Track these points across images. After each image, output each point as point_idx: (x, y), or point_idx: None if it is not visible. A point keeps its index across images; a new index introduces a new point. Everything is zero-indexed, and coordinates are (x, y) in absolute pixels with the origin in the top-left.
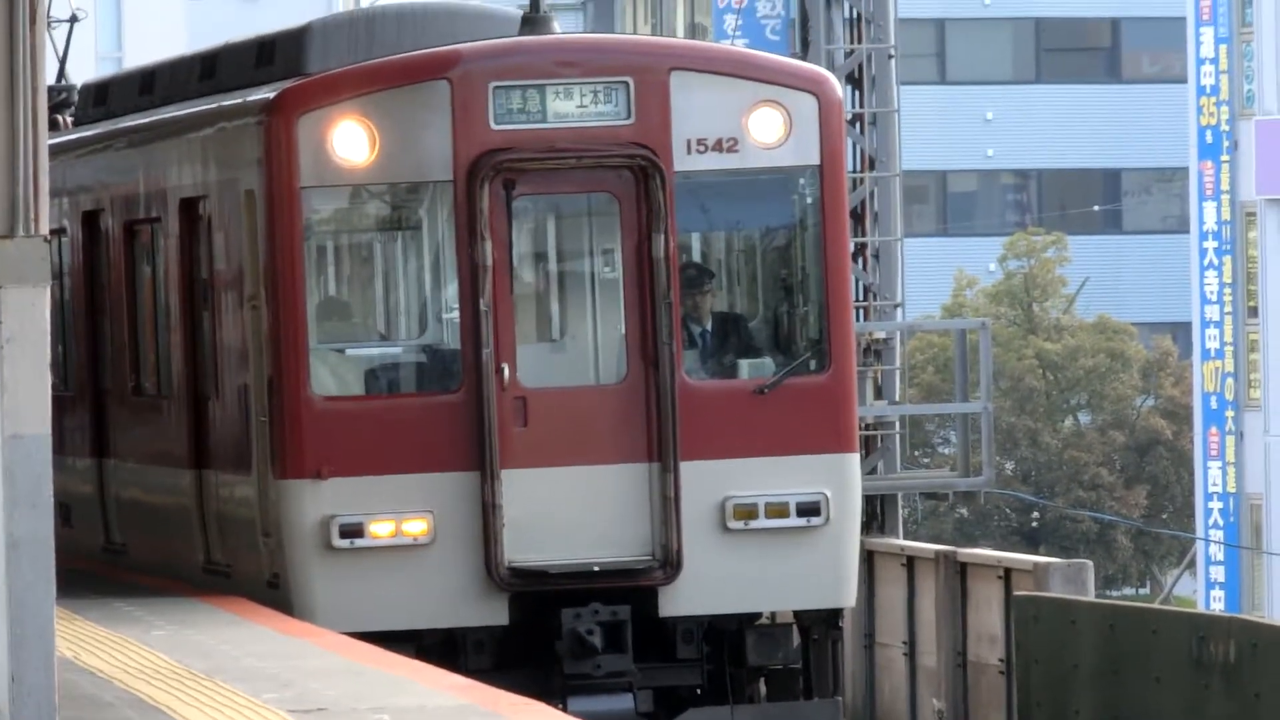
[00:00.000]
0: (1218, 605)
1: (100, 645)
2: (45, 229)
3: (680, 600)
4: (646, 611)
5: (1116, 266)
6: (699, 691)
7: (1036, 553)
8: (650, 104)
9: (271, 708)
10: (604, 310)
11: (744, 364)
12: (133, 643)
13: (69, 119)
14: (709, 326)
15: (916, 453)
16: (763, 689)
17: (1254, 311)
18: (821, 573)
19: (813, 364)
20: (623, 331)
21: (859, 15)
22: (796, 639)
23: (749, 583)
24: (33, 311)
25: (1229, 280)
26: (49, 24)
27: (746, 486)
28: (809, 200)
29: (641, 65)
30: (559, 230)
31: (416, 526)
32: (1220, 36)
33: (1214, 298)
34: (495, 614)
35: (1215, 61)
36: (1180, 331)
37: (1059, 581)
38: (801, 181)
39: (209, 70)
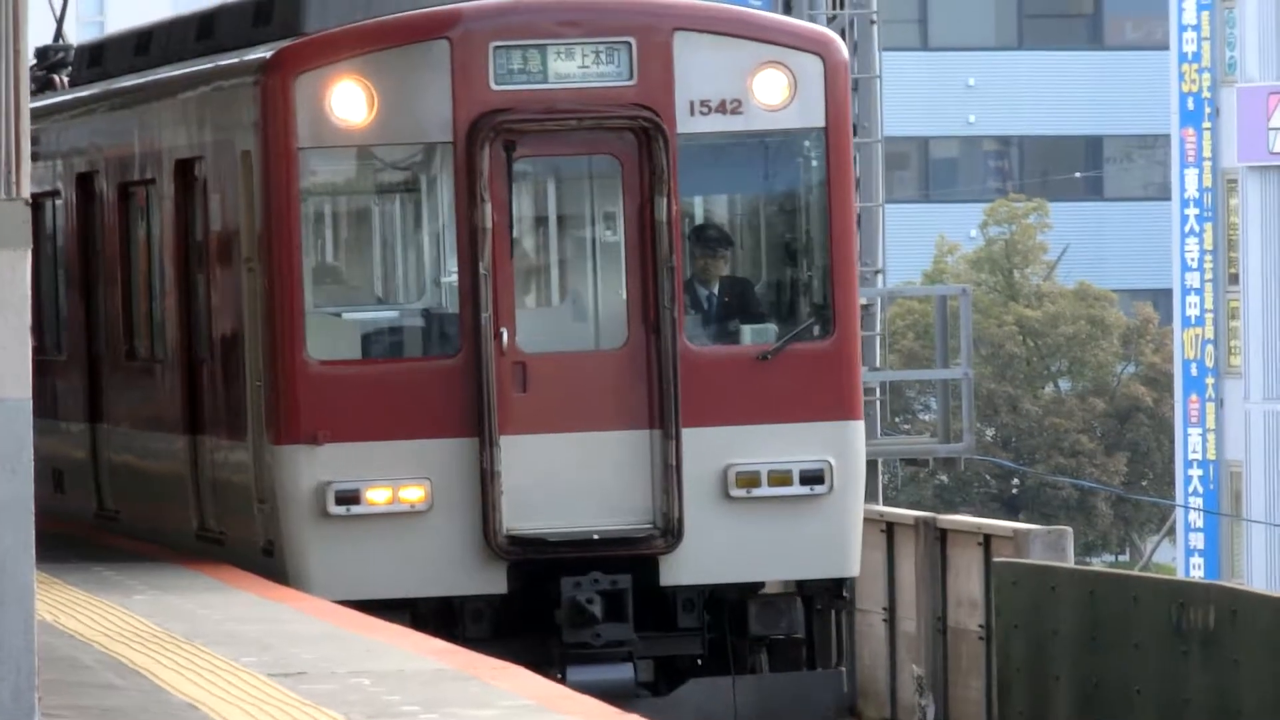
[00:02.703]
0: (1197, 572)
1: (81, 609)
2: (27, 192)
3: (681, 569)
4: (647, 580)
5: (1098, 233)
6: (700, 662)
7: (1016, 519)
8: (653, 65)
9: (251, 670)
10: (605, 274)
11: (747, 329)
12: (114, 607)
13: (65, 79)
14: (715, 291)
15: (897, 419)
16: (765, 659)
17: (1234, 279)
18: (825, 542)
19: (816, 330)
20: (624, 296)
21: None
22: (800, 609)
23: (751, 552)
24: (14, 275)
25: (1210, 247)
26: None
27: (749, 454)
28: (814, 163)
29: (644, 25)
30: (560, 193)
31: (414, 493)
32: (1202, 3)
33: (1195, 265)
34: (493, 582)
35: (1197, 28)
36: (1161, 298)
37: (1039, 548)
38: (806, 144)
39: (206, 30)
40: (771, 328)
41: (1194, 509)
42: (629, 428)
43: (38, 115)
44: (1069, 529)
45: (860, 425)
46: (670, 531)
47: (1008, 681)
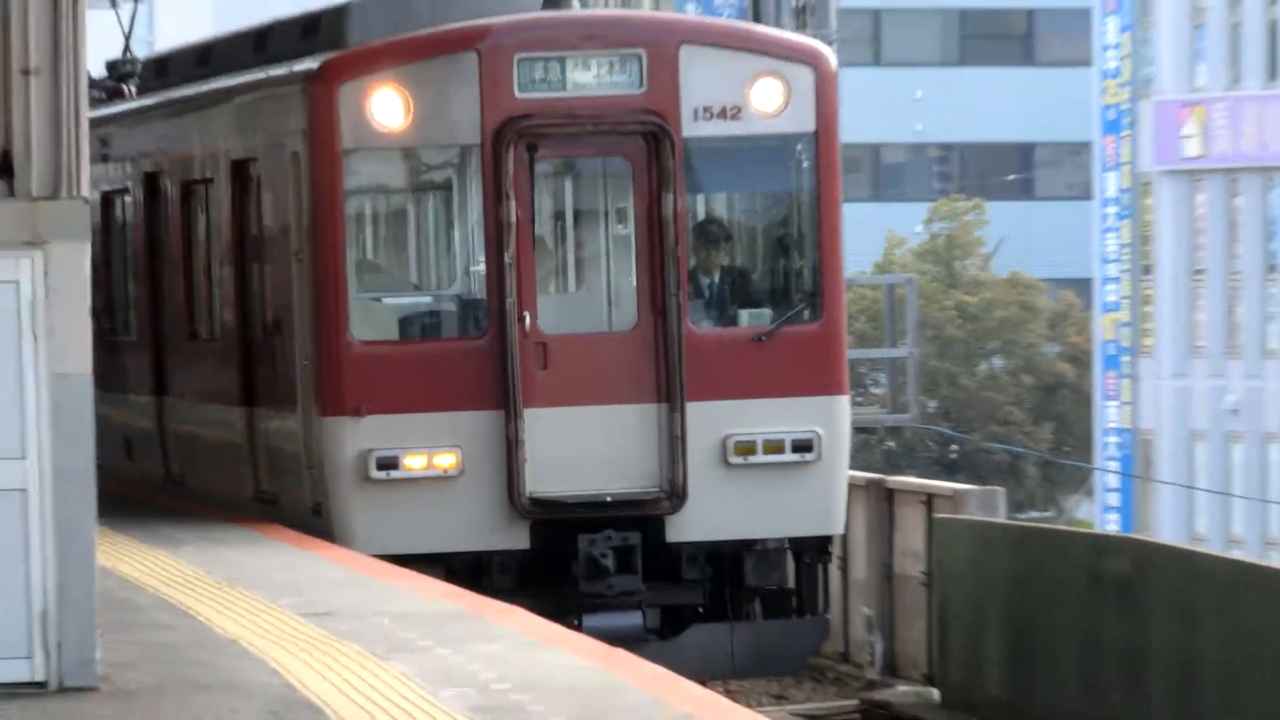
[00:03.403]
0: (1113, 527)
1: (137, 558)
2: (86, 191)
3: (685, 528)
4: (654, 538)
5: (1028, 229)
6: (701, 610)
7: (955, 480)
8: (661, 75)
9: (286, 611)
10: (617, 264)
11: (744, 314)
12: (166, 556)
13: (133, 89)
14: (716, 279)
15: (851, 392)
16: (759, 608)
17: (1148, 270)
18: (813, 503)
19: (807, 314)
20: (634, 283)
21: (805, 5)
22: (790, 563)
23: (748, 512)
24: (75, 264)
25: (1127, 242)
26: (114, 2)
27: (746, 425)
28: (805, 164)
29: (653, 39)
30: (577, 190)
31: (446, 460)
32: (1123, 25)
33: (1113, 257)
34: (517, 539)
35: (1118, 48)
36: (1083, 287)
37: (974, 506)
38: (799, 147)
39: (259, 44)
40: (766, 312)
41: (1111, 471)
42: (639, 401)
43: (109, 121)
44: (1001, 489)
45: (845, 399)
46: (675, 494)
47: (946, 622)
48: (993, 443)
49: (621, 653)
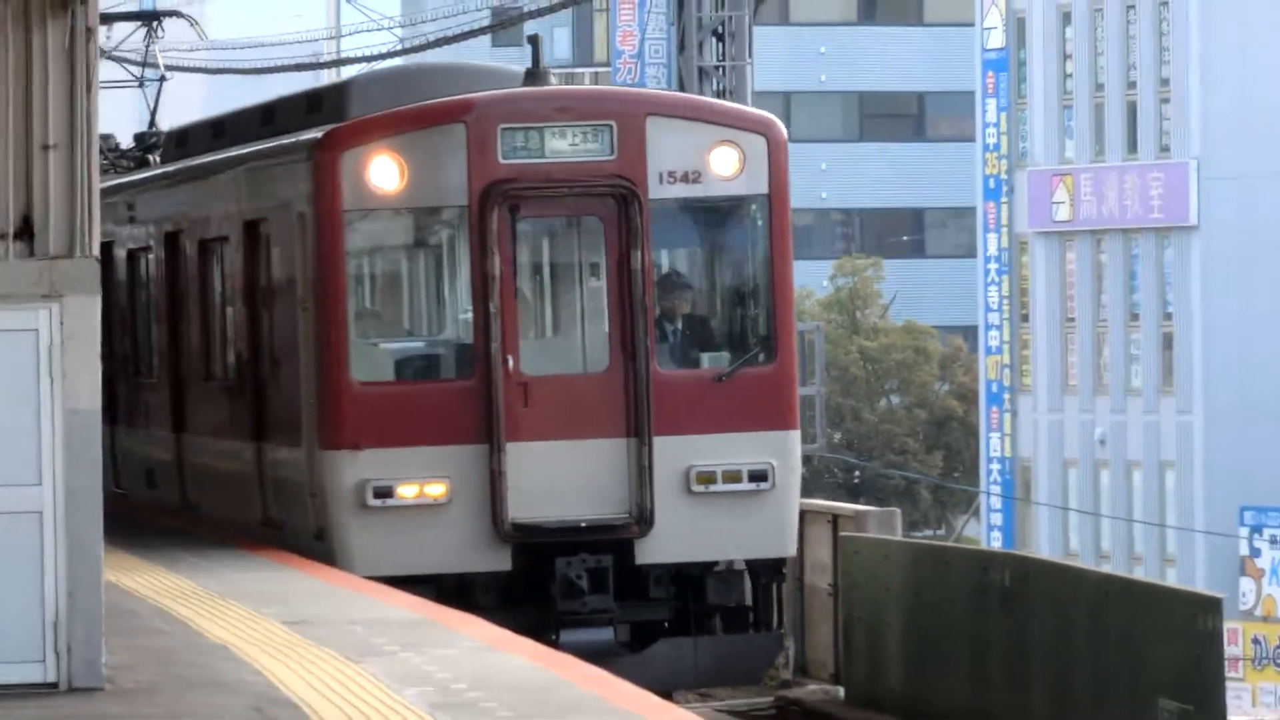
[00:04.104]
0: (997, 544)
1: (137, 572)
2: (97, 250)
3: (652, 550)
4: (625, 560)
5: (920, 283)
6: (666, 625)
7: (857, 503)
8: (630, 143)
9: (269, 619)
10: (591, 312)
11: (705, 356)
12: (163, 570)
13: (157, 158)
14: (680, 326)
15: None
16: (719, 623)
17: (1025, 318)
18: (768, 528)
19: (761, 357)
20: (606, 330)
21: (724, 89)
22: (747, 583)
23: (709, 536)
24: (86, 315)
25: (1006, 294)
26: (141, 81)
27: (707, 457)
28: (759, 222)
29: (623, 111)
30: (554, 246)
31: (436, 489)
32: (1001, 106)
33: (995, 307)
34: (500, 561)
35: (997, 125)
36: (969, 333)
37: (874, 525)
38: (753, 207)
39: (268, 118)
40: (725, 355)
41: (994, 494)
42: (610, 436)
43: (135, 187)
44: (898, 510)
45: (797, 434)
46: (644, 520)
47: (851, 628)
48: (890, 469)
49: (564, 656)
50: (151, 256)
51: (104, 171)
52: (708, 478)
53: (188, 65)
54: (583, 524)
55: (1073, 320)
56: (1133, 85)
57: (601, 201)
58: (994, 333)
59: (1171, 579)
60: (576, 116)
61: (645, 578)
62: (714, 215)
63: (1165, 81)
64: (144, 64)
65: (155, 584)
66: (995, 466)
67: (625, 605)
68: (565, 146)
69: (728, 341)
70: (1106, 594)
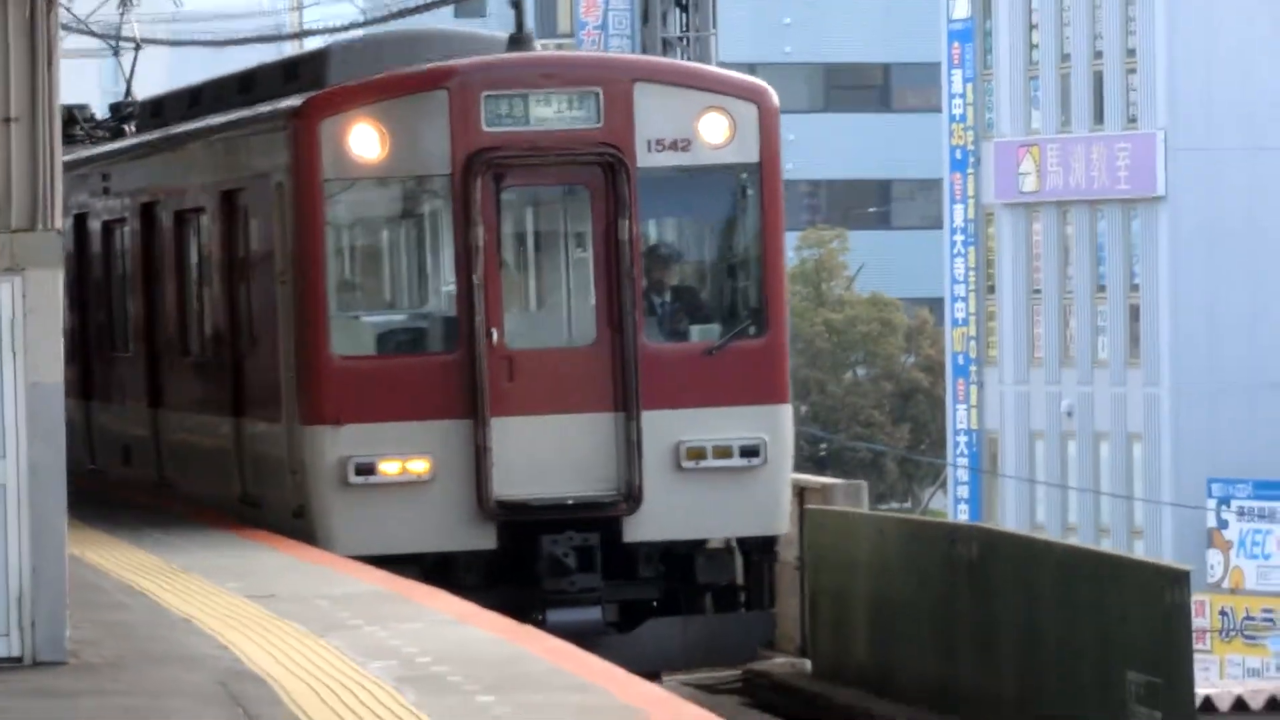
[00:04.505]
0: (963, 516)
1: (101, 546)
2: (59, 224)
3: (641, 528)
4: (612, 538)
5: (886, 255)
6: (655, 604)
7: (824, 475)
8: (617, 110)
9: (233, 593)
10: (577, 284)
11: (695, 329)
12: (129, 546)
13: (133, 128)
14: (668, 298)
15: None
16: (709, 602)
17: (991, 289)
18: (759, 505)
19: (752, 329)
20: (593, 302)
21: (688, 60)
22: (737, 561)
23: (699, 514)
24: (48, 288)
25: (973, 265)
26: (116, 49)
27: (697, 432)
28: (750, 192)
29: (609, 77)
30: (539, 216)
31: (419, 466)
32: (967, 77)
33: (961, 279)
34: (485, 540)
35: (964, 96)
36: (935, 305)
37: (841, 498)
38: (744, 176)
39: (245, 86)
40: (715, 328)
41: (961, 467)
42: (598, 411)
43: (110, 157)
44: (864, 483)
45: (788, 408)
46: (632, 497)
47: (817, 601)
48: (857, 441)
49: (528, 628)
50: (127, 228)
51: (79, 142)
52: (698, 453)
53: (151, 38)
54: (569, 501)
55: (1039, 292)
56: (1099, 55)
57: (588, 170)
58: (960, 304)
59: (1139, 551)
60: (562, 83)
61: (634, 556)
62: (704, 184)
63: (1131, 52)
64: (119, 37)
65: (121, 559)
66: (962, 439)
67: (613, 584)
68: (550, 114)
69: (718, 313)
70: (1074, 566)
